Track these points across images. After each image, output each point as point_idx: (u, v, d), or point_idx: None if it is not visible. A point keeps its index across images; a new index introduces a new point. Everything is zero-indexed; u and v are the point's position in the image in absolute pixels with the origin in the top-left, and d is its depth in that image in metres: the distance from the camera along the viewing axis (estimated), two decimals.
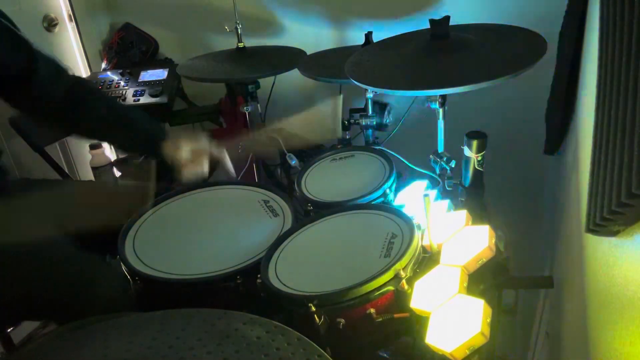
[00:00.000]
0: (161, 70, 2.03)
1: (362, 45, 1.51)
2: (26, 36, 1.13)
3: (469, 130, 1.21)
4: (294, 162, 1.63)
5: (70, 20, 2.22)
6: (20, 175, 1.88)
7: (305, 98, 2.17)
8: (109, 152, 2.39)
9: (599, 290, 0.66)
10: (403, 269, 0.91)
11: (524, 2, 1.59)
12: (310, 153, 1.89)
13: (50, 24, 2.11)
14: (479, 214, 1.23)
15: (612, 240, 0.58)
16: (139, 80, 2.01)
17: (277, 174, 2.18)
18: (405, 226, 1.04)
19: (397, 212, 1.09)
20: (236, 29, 1.63)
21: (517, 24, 1.23)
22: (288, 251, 1.06)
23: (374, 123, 1.58)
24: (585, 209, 0.62)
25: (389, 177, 1.25)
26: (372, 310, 0.90)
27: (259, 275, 0.97)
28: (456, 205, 1.27)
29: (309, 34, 1.99)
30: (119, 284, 1.08)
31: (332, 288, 0.90)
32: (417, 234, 0.99)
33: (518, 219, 1.92)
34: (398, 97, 1.88)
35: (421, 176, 1.38)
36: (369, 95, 1.55)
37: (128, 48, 2.21)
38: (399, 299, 0.92)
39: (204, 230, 1.17)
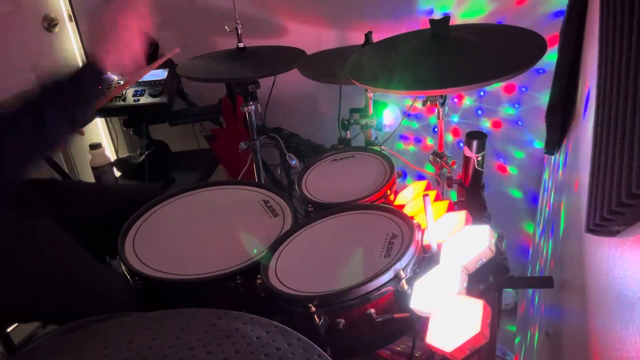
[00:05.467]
0: (161, 70, 2.03)
1: (362, 45, 1.51)
2: None
3: (469, 130, 1.21)
4: (294, 162, 1.64)
5: (70, 20, 2.22)
6: None
7: (305, 98, 2.17)
8: (109, 152, 2.40)
9: (599, 290, 0.66)
10: (403, 269, 0.91)
11: (524, 2, 1.59)
12: (310, 153, 1.90)
13: (50, 24, 2.11)
14: (479, 214, 1.23)
15: (612, 240, 0.58)
16: (139, 80, 2.01)
17: (277, 174, 2.19)
18: (405, 226, 1.04)
19: (397, 212, 1.09)
20: (236, 29, 1.63)
21: (517, 24, 1.23)
22: (288, 251, 1.06)
23: (374, 123, 1.58)
24: (585, 209, 0.62)
25: (389, 178, 1.25)
26: (372, 310, 0.90)
27: (259, 276, 0.97)
28: (456, 205, 1.27)
29: (309, 34, 1.99)
30: (120, 283, 1.08)
31: (332, 288, 0.90)
32: (417, 234, 0.99)
33: (518, 219, 1.92)
34: (398, 97, 1.88)
35: (421, 176, 1.38)
36: (369, 95, 1.55)
37: None
38: (399, 299, 0.92)
39: (204, 230, 1.17)
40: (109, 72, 1.04)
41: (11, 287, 1.00)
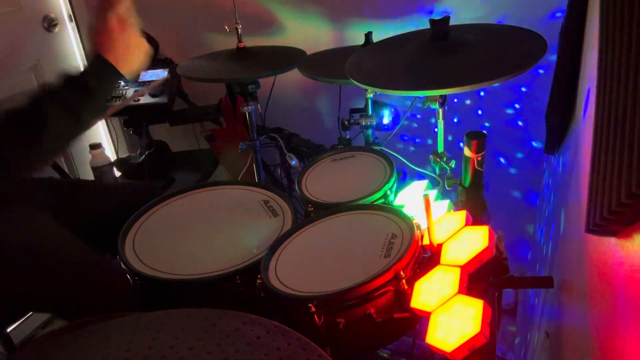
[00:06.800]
0: (161, 70, 2.03)
1: (362, 45, 1.51)
2: None
3: (469, 130, 1.21)
4: (294, 162, 1.64)
5: (70, 20, 2.22)
6: None
7: (305, 98, 2.17)
8: (109, 152, 2.40)
9: (599, 290, 0.66)
10: (403, 269, 0.91)
11: (524, 2, 1.59)
12: (310, 153, 1.90)
13: (50, 24, 2.11)
14: (479, 214, 1.23)
15: (612, 240, 0.58)
16: (139, 80, 2.01)
17: (277, 174, 2.19)
18: (405, 226, 1.04)
19: (397, 212, 1.09)
20: (236, 29, 1.63)
21: (517, 24, 1.23)
22: (288, 251, 1.06)
23: (374, 123, 1.58)
24: (585, 209, 0.62)
25: (389, 178, 1.25)
26: (372, 310, 0.90)
27: (259, 276, 0.97)
28: (456, 205, 1.27)
29: (309, 34, 1.99)
30: (123, 278, 1.09)
31: (332, 288, 0.90)
32: (417, 234, 0.99)
33: (518, 219, 1.92)
34: (398, 97, 1.88)
35: (421, 176, 1.38)
36: (369, 95, 1.55)
37: None
38: (399, 299, 0.92)
39: (204, 230, 1.17)
40: (124, 75, 1.04)
41: (19, 279, 1.01)
